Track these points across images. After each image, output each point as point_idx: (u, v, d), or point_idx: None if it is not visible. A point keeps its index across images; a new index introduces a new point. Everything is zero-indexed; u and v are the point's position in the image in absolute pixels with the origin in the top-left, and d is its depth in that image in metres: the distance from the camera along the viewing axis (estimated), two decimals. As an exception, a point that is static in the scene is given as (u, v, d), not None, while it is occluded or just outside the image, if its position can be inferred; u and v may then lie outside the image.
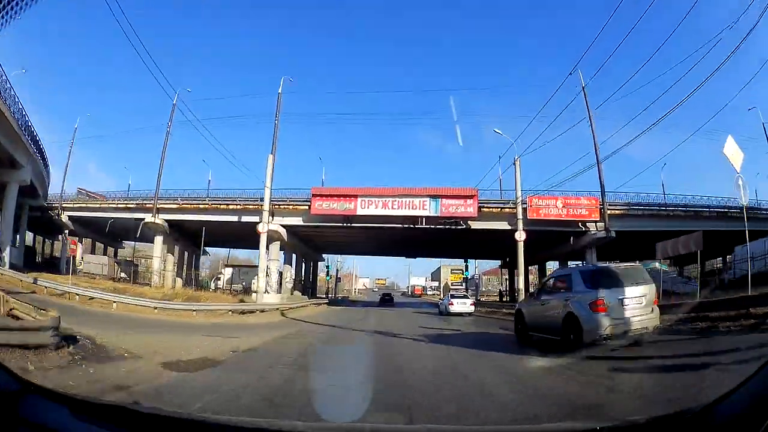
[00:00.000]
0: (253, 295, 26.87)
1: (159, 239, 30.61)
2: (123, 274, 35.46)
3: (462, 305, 21.08)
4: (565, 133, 35.62)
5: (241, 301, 23.95)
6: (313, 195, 25.78)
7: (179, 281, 33.00)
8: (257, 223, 25.11)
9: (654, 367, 5.59)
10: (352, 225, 25.61)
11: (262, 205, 26.34)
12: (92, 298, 15.53)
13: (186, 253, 37.74)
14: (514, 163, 23.85)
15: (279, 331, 12.63)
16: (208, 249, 43.33)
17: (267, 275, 27.11)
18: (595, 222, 24.99)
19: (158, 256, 31.50)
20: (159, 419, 1.67)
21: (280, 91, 27.66)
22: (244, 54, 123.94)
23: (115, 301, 15.05)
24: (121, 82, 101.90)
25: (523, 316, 9.18)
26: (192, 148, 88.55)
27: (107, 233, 33.87)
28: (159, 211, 29.35)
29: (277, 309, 21.11)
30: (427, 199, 24.29)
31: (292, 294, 32.62)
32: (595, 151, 23.76)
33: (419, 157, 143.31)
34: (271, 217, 26.89)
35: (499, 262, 42.99)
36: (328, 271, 42.47)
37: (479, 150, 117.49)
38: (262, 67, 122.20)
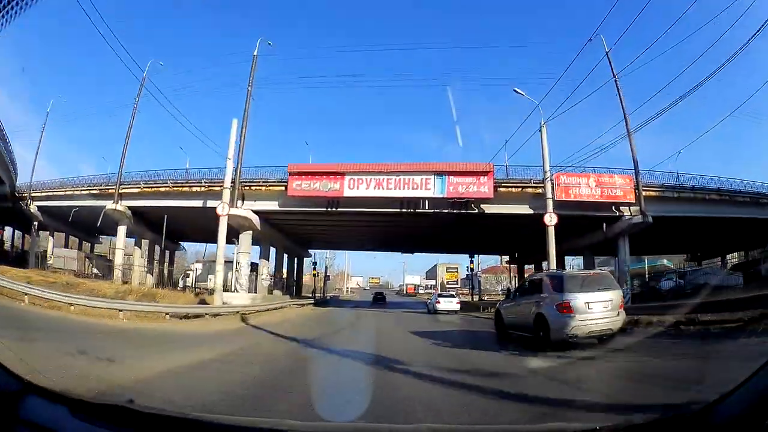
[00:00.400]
0: (218, 294, 22.30)
1: (122, 229, 26.36)
2: (96, 270, 31.60)
3: (448, 303, 21.98)
4: (592, 100, 30.48)
5: (202, 301, 19.31)
6: (291, 173, 21.11)
7: (149, 278, 29.05)
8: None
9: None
10: (339, 210, 20.97)
11: (231, 187, 21.80)
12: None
13: (158, 248, 33.61)
14: (540, 130, 19.40)
15: (213, 349, 8.19)
16: (185, 244, 39.11)
17: (236, 270, 22.57)
18: (629, 205, 20.53)
19: (121, 248, 27.30)
20: (159, 419, 1.67)
21: (255, 53, 23.26)
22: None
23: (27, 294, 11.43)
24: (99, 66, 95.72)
25: (501, 315, 10.17)
26: (171, 137, 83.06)
27: (70, 223, 29.72)
28: (121, 197, 25.21)
29: (239, 312, 16.46)
30: (432, 176, 19.73)
31: (270, 293, 27.98)
32: (625, 119, 19.39)
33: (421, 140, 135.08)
34: (240, 202, 22.26)
35: (497, 258, 39.11)
36: (314, 268, 37.96)
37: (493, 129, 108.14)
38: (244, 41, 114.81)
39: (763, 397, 1.18)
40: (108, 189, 26.00)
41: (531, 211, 20.53)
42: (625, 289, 19.87)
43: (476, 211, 20.24)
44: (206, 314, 14.88)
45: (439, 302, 21.96)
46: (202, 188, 23.64)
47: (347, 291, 70.41)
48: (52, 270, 26.01)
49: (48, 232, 33.81)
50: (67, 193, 28.87)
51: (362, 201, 20.63)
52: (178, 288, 30.51)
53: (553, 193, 18.76)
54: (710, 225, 22.69)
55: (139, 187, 25.74)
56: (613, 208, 20.69)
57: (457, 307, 21.88)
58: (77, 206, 27.37)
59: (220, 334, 11.24)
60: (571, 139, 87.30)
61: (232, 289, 22.52)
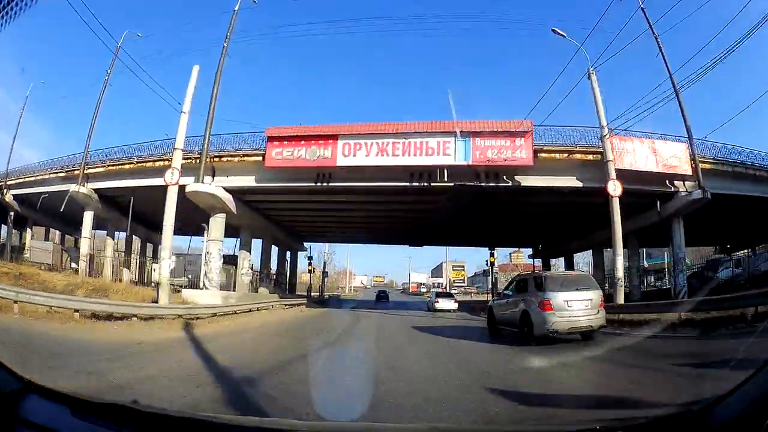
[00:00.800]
0: (184, 291, 17.94)
1: (88, 215, 22.51)
2: (75, 264, 28.09)
3: (446, 303, 22.59)
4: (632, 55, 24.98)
5: (153, 301, 14.96)
6: (269, 138, 16.44)
7: (126, 273, 25.38)
8: (193, 184, 16.32)
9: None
10: (331, 186, 16.35)
11: (196, 158, 17.36)
12: None
13: (138, 239, 29.91)
14: (588, 76, 14.60)
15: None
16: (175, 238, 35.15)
17: (205, 263, 18.21)
18: (683, 179, 15.99)
19: (87, 236, 23.20)
20: (160, 418, 1.67)
21: (236, 8, 18.54)
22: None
23: None
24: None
25: (493, 312, 10.93)
26: (158, 116, 78.04)
27: (47, 213, 26.43)
28: (87, 178, 21.52)
29: (183, 316, 11.99)
30: (452, 138, 14.93)
31: (256, 291, 23.57)
32: (669, 75, 14.47)
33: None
34: (210, 178, 17.83)
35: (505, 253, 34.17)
36: (310, 263, 33.58)
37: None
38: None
39: (763, 397, 1.16)
40: (74, 170, 22.28)
41: (579, 184, 15.92)
42: (680, 280, 16.09)
43: (509, 183, 15.43)
44: (136, 316, 10.52)
45: (437, 302, 22.67)
46: (168, 162, 19.15)
47: (350, 290, 65.62)
48: (29, 263, 22.50)
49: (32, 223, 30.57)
50: (38, 178, 25.16)
51: (360, 173, 15.99)
52: (152, 285, 26.46)
53: (611, 157, 14.01)
54: (756, 208, 17.91)
55: (105, 166, 21.66)
56: (668, 181, 15.93)
57: (455, 306, 22.52)
58: (47, 192, 23.65)
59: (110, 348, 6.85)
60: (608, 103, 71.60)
61: (201, 285, 18.15)
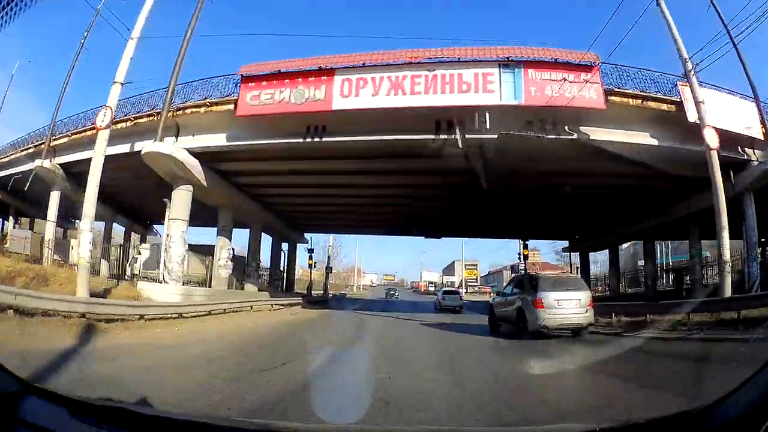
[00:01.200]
0: (141, 284, 13.83)
1: (55, 195, 19.26)
2: (56, 256, 24.68)
3: (452, 300, 23.19)
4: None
5: (105, 293, 10.95)
6: (244, 80, 12.19)
7: (104, 264, 21.59)
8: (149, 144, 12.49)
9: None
10: (325, 143, 12.03)
11: (157, 114, 13.36)
12: None
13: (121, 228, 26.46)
14: (658, 2, 10.21)
15: None
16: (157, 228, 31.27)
17: (166, 249, 14.26)
18: (751, 145, 12.35)
19: (52, 219, 19.92)
20: (160, 421, 1.65)
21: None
22: None
23: None
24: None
25: (493, 310, 11.54)
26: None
27: (11, 193, 23.03)
28: (55, 152, 18.37)
29: (86, 316, 7.79)
30: (495, 69, 10.49)
31: (241, 287, 19.43)
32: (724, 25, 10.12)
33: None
34: (173, 139, 13.80)
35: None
36: (310, 257, 27.85)
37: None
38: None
39: (763, 397, 1.15)
40: (41, 144, 18.90)
41: (654, 142, 11.94)
42: (754, 269, 12.76)
43: (574, 135, 10.91)
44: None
45: (444, 299, 23.61)
46: (128, 123, 15.12)
47: (359, 288, 60.85)
48: (8, 254, 19.09)
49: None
50: (8, 158, 22.12)
51: (364, 123, 11.61)
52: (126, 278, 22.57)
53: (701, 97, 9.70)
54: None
55: (68, 136, 18.04)
56: (739, 148, 12.17)
57: (461, 303, 23.11)
58: (18, 173, 20.44)
59: None
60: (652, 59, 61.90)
61: (160, 278, 14.11)
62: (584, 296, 8.95)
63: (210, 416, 2.61)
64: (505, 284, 17.56)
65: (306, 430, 2.19)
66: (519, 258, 25.16)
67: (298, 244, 28.27)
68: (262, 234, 22.64)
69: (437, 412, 3.66)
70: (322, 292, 32.31)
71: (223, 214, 18.01)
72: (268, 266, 25.25)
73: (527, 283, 9.71)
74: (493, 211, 19.34)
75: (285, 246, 26.17)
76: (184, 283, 14.58)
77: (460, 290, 30.82)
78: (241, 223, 20.85)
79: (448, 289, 28.50)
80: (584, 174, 13.76)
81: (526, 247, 22.35)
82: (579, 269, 25.56)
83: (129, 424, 1.53)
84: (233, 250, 19.05)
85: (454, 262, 72.25)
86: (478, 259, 74.02)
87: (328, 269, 33.27)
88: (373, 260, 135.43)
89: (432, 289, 62.91)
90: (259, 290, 20.54)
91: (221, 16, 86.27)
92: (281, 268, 25.62)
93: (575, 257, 28.93)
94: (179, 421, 1.68)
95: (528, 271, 19.46)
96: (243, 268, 19.90)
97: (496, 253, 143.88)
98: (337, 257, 45.18)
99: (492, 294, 48.55)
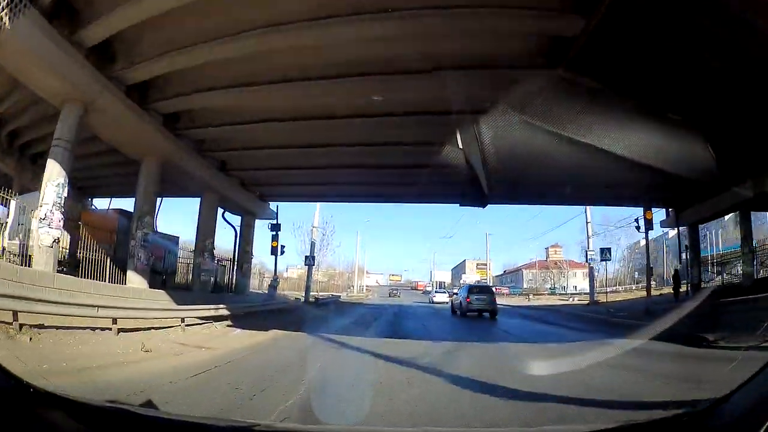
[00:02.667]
0: None
1: None
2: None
3: (441, 296, 31.82)
4: None
5: None
6: None
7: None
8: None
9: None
10: None
11: None
12: None
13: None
14: None
15: None
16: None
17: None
18: None
19: None
20: (159, 422, 1.64)
21: None
22: None
23: None
24: None
25: (453, 303, 20.52)
26: None
27: None
28: None
29: None
30: None
31: (84, 274, 10.69)
32: None
33: None
34: None
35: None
36: (275, 239, 18.27)
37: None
38: None
39: (764, 397, 1.15)
40: None
41: None
42: None
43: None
44: None
45: (434, 296, 32.17)
46: None
47: (360, 290, 50.71)
48: None
49: None
50: None
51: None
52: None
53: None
54: None
55: None
56: None
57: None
58: None
59: None
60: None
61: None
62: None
63: (209, 418, 2.56)
64: (459, 290, 22.94)
65: (302, 430, 2.32)
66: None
67: (257, 219, 18.88)
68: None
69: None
70: (300, 294, 23.68)
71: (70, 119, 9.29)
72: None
73: (464, 288, 19.12)
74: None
75: (239, 221, 17.35)
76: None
77: (493, 288, 22.40)
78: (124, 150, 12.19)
79: (477, 284, 25.86)
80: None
81: (649, 210, 14.36)
82: (686, 250, 16.79)
83: (128, 426, 1.51)
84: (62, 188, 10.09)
85: (465, 261, 69.91)
86: (491, 259, 70.61)
87: (311, 261, 23.21)
88: (379, 260, 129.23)
89: (429, 288, 61.56)
90: (150, 286, 11.63)
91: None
92: (212, 252, 15.55)
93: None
94: (178, 423, 1.68)
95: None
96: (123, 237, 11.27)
97: (510, 253, 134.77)
98: (329, 246, 35.77)
99: (510, 295, 46.46)
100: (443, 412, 3.88)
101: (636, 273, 48.60)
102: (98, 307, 7.30)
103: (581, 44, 6.88)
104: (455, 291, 26.68)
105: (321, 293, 31.25)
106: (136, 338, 7.81)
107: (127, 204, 13.22)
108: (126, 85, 10.03)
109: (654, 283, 46.76)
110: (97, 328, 7.64)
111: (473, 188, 14.47)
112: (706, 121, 9.23)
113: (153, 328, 8.65)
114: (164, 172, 12.82)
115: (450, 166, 12.28)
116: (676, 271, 19.64)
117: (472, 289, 18.04)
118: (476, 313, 16.61)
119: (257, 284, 25.98)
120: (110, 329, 7.65)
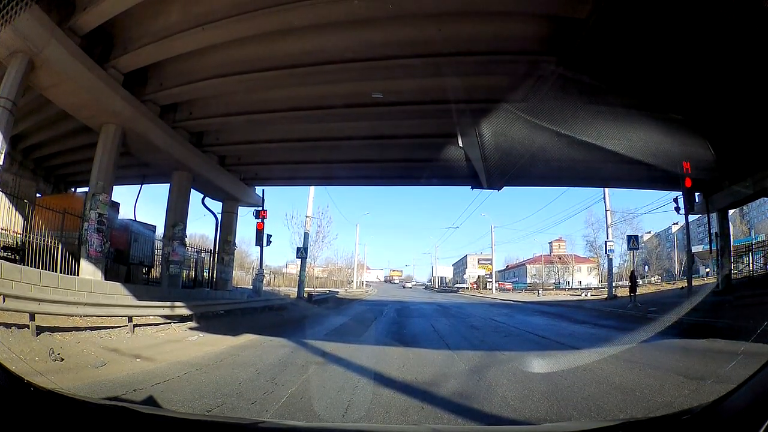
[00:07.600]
0: None
1: None
2: None
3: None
4: None
5: None
6: None
7: None
8: None
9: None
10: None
11: None
12: None
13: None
14: None
15: None
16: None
17: None
18: None
19: None
20: (159, 420, 1.62)
21: None
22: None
23: None
24: None
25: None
26: None
27: None
28: None
29: None
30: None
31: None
32: None
33: None
34: None
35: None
36: (260, 220, 15.75)
37: None
38: None
39: (763, 397, 1.14)
40: None
41: None
42: None
43: None
44: None
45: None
46: None
47: (359, 285, 48.57)
48: None
49: None
50: None
51: None
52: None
53: None
54: None
55: None
56: None
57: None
58: None
59: None
60: None
61: None
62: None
63: (209, 416, 2.59)
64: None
65: (307, 429, 2.16)
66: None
67: (239, 206, 16.80)
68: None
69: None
70: (297, 291, 21.79)
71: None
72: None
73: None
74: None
75: (222, 207, 15.43)
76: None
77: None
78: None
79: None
80: None
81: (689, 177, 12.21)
82: (716, 238, 14.94)
83: (129, 424, 1.49)
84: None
85: (466, 256, 67.37)
86: (495, 254, 73.61)
87: (303, 253, 20.73)
88: (381, 254, 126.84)
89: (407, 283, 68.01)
90: (103, 278, 9.76)
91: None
92: (184, 241, 13.48)
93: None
94: (178, 420, 1.67)
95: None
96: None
97: (509, 248, 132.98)
98: (325, 238, 33.42)
99: (514, 290, 46.61)
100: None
101: (645, 266, 47.20)
102: (3, 296, 5.40)
103: (589, 26, 6.44)
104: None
105: (318, 289, 29.28)
106: (62, 340, 5.92)
107: (116, 195, 11.16)
108: (80, 36, 8.17)
109: (659, 277, 45.40)
110: (12, 325, 5.75)
111: (489, 171, 12.63)
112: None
113: (92, 327, 6.75)
114: (127, 144, 10.94)
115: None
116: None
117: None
118: None
119: (249, 280, 24.06)
120: (27, 327, 5.76)
